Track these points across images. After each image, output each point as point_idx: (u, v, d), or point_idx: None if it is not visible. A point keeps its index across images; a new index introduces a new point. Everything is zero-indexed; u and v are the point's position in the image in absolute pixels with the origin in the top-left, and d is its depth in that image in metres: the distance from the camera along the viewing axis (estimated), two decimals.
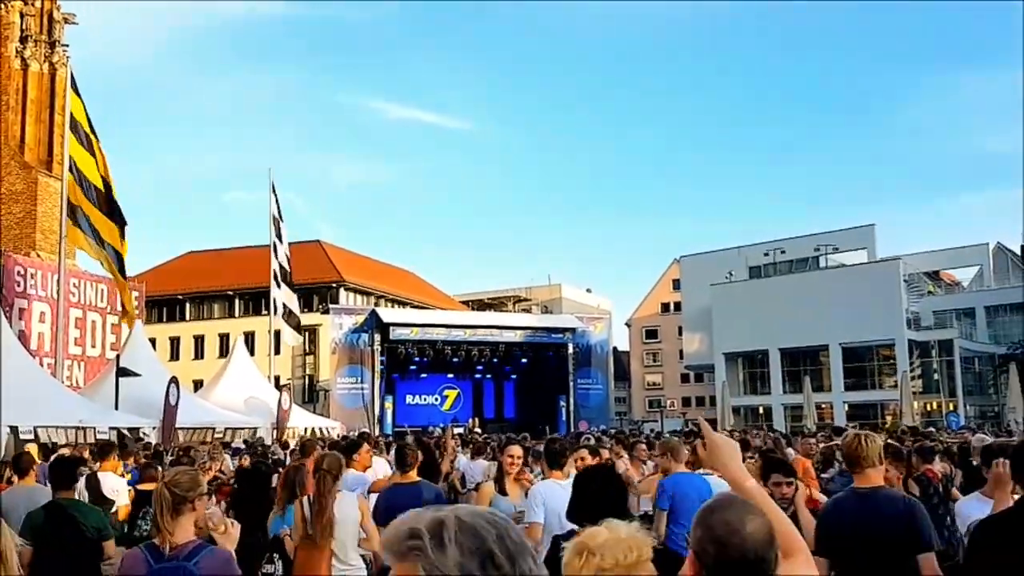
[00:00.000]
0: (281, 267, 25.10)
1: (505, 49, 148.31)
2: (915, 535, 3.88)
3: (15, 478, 7.14)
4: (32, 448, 9.24)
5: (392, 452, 8.24)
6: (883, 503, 4.00)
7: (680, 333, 63.96)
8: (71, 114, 18.91)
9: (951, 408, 42.36)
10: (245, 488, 7.62)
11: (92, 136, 18.75)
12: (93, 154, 18.53)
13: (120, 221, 18.99)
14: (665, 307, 75.38)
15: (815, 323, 45.82)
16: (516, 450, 6.32)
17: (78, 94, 19.01)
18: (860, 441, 4.07)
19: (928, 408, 43.72)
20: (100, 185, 18.59)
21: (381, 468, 8.31)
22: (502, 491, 6.03)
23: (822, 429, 17.57)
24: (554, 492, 5.13)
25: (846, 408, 45.57)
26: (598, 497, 3.59)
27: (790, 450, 10.56)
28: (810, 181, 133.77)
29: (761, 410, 50.37)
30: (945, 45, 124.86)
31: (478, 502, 5.96)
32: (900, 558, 3.86)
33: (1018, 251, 57.54)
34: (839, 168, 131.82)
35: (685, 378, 69.43)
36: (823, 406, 43.54)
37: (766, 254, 54.64)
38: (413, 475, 6.06)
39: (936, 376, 46.66)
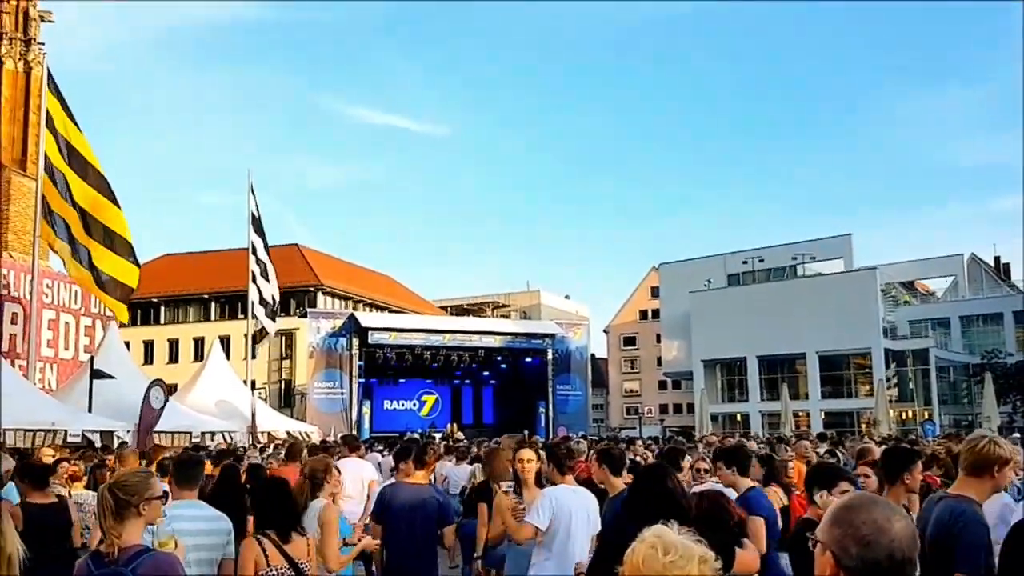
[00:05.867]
0: (261, 262, 23.65)
1: (482, 55, 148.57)
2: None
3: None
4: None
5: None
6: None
7: (658, 340, 64.13)
8: (47, 112, 18.35)
9: (926, 416, 42.79)
10: (220, 494, 7.28)
11: (75, 129, 17.96)
12: (68, 160, 17.77)
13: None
14: (644, 314, 75.58)
15: (792, 331, 46.15)
16: (528, 454, 5.68)
17: (56, 93, 18.35)
18: (991, 445, 3.61)
19: (904, 417, 44.14)
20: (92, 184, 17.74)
21: (368, 471, 8.17)
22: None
23: (801, 436, 17.56)
24: (567, 497, 4.92)
25: (823, 416, 45.88)
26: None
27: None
28: (789, 190, 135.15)
29: (739, 417, 50.59)
30: (925, 58, 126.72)
31: (497, 514, 5.42)
32: None
33: (991, 262, 58.43)
34: (818, 178, 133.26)
35: (663, 385, 69.62)
36: (800, 414, 43.76)
37: (744, 262, 55.03)
38: (424, 474, 5.88)
39: (911, 385, 47.14)
